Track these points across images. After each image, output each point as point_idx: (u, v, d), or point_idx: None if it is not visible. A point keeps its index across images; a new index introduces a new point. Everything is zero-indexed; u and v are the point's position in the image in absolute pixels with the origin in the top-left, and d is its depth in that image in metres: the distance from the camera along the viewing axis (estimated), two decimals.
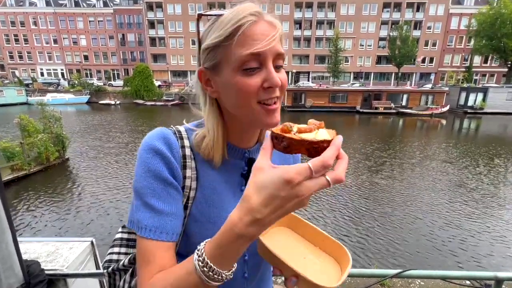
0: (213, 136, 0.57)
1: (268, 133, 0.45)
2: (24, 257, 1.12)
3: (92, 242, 1.43)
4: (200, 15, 0.54)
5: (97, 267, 1.45)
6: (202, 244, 0.46)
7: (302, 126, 0.44)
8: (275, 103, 0.53)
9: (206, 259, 0.43)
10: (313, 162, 0.37)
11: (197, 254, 0.45)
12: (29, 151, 8.70)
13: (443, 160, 11.24)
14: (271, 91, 0.52)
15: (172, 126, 0.62)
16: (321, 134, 0.42)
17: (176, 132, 0.60)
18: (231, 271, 0.45)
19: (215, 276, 0.43)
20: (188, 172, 0.57)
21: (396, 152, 12.46)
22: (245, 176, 0.64)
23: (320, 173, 0.38)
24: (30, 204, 6.83)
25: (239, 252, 0.43)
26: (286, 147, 0.42)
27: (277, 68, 0.52)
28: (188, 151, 0.58)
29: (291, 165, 0.39)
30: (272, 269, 0.74)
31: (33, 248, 1.34)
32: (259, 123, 0.55)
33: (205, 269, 0.43)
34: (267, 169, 0.40)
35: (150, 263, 0.51)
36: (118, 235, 0.71)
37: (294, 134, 0.42)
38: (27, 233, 5.60)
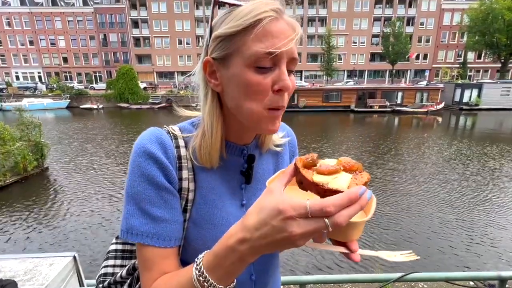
0: (211, 133, 0.56)
1: (294, 158, 0.46)
2: None
3: (74, 257, 1.38)
4: (216, 1, 0.53)
5: (81, 284, 1.40)
6: (203, 253, 0.47)
7: (330, 164, 0.42)
8: (280, 109, 0.53)
9: (202, 268, 0.44)
10: (312, 203, 0.36)
11: (196, 262, 0.46)
12: (5, 161, 8.44)
13: (440, 159, 11.48)
14: (281, 95, 0.51)
15: (165, 126, 0.61)
16: (340, 179, 0.40)
17: (170, 132, 0.59)
18: (229, 287, 0.45)
19: None
20: (185, 174, 0.57)
21: (391, 154, 12.65)
22: (245, 174, 0.63)
23: (317, 216, 0.36)
24: (5, 218, 6.60)
25: (234, 268, 0.43)
26: (300, 183, 0.42)
27: (288, 72, 0.51)
28: (183, 151, 0.57)
29: (291, 197, 0.39)
30: (279, 268, 0.74)
31: (9, 266, 1.28)
32: (258, 128, 0.55)
33: (200, 278, 0.44)
34: (274, 193, 0.41)
35: (151, 270, 0.52)
36: (112, 247, 0.69)
37: (313, 172, 0.41)
38: (2, 250, 5.41)
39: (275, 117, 0.53)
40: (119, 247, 0.69)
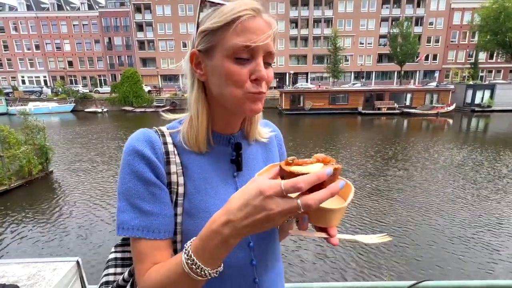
0: (197, 117, 0.63)
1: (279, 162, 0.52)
2: (2, 281, 1.09)
3: (77, 262, 1.38)
4: (203, 0, 0.60)
5: None
6: (192, 239, 0.51)
7: (307, 159, 0.48)
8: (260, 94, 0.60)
9: (190, 252, 0.49)
10: (285, 181, 0.42)
11: (185, 248, 0.50)
12: (10, 165, 8.59)
13: (451, 164, 11.29)
14: (258, 83, 0.58)
15: (154, 126, 0.67)
16: (312, 167, 0.46)
17: (158, 130, 0.65)
18: (216, 270, 0.50)
19: (197, 270, 0.48)
20: (173, 168, 0.61)
21: (398, 159, 12.50)
22: (235, 162, 0.68)
23: (290, 193, 0.42)
24: (10, 222, 6.69)
25: (218, 251, 0.48)
26: (282, 177, 0.48)
27: (266, 65, 0.59)
28: (171, 147, 0.63)
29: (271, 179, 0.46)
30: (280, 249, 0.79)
31: (12, 271, 1.29)
32: (241, 110, 0.60)
33: (189, 261, 0.48)
34: (257, 179, 0.47)
35: (144, 262, 0.56)
36: (112, 255, 0.71)
37: (291, 166, 0.47)
38: (5, 255, 5.47)
39: (256, 99, 0.59)
40: (119, 255, 0.70)
